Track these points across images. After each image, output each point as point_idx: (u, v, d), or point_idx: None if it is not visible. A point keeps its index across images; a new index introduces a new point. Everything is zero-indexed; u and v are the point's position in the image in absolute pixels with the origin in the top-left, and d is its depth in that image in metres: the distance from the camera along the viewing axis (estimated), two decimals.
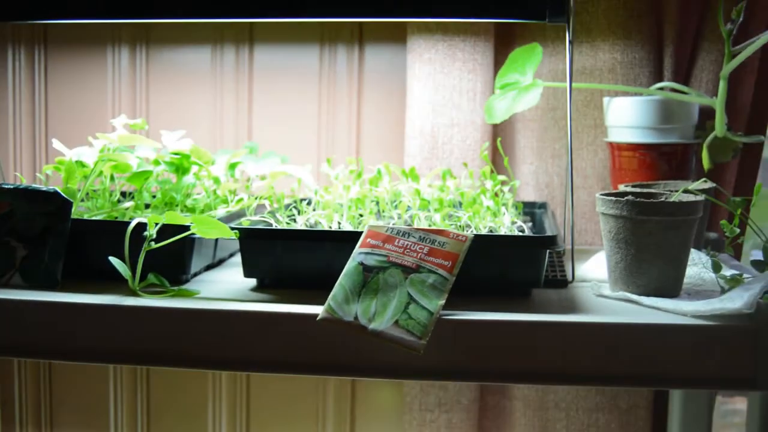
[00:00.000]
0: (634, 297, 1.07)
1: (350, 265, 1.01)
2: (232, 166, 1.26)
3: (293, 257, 1.09)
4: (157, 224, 1.05)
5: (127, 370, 1.66)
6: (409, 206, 1.21)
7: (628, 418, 1.53)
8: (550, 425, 1.54)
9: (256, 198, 1.21)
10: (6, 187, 1.10)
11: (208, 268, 1.22)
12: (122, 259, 1.04)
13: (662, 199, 1.10)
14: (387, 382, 1.62)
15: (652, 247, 1.06)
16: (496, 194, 1.25)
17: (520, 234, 1.14)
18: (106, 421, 1.68)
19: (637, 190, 1.16)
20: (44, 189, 1.10)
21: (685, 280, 1.14)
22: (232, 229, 1.07)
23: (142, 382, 1.66)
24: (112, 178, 1.22)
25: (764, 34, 1.22)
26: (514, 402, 1.55)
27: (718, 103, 1.26)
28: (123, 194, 1.31)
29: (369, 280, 1.00)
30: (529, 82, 1.31)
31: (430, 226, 1.16)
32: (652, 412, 1.54)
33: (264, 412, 1.65)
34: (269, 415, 1.65)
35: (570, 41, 1.19)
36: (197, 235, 1.07)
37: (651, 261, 1.07)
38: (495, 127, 1.51)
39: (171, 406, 1.67)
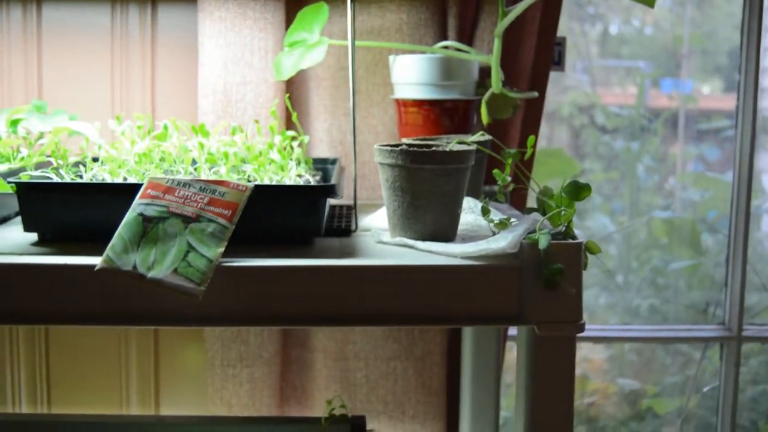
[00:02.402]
0: (411, 242, 1.13)
1: (130, 215, 1.02)
2: (14, 123, 1.24)
3: (73, 211, 1.09)
4: None
5: None
6: (195, 161, 1.22)
7: (424, 364, 1.60)
8: (350, 375, 1.59)
9: (38, 153, 1.20)
10: None
11: None
12: None
13: (434, 149, 1.16)
14: (189, 338, 1.64)
15: (426, 194, 1.12)
16: (285, 149, 1.28)
17: (300, 184, 1.18)
18: None
19: (418, 142, 1.22)
20: None
21: (463, 226, 1.21)
22: (9, 182, 1.06)
23: None
24: None
25: None
26: (315, 354, 1.60)
27: (494, 61, 1.33)
28: None
29: (149, 231, 1.01)
30: (316, 40, 1.34)
31: None
32: (446, 359, 1.62)
33: (65, 371, 1.64)
34: (71, 373, 1.64)
35: (352, 1, 1.23)
36: None
37: (426, 207, 1.12)
38: (289, 85, 1.54)
39: None
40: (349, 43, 1.21)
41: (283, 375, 1.62)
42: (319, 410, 1.60)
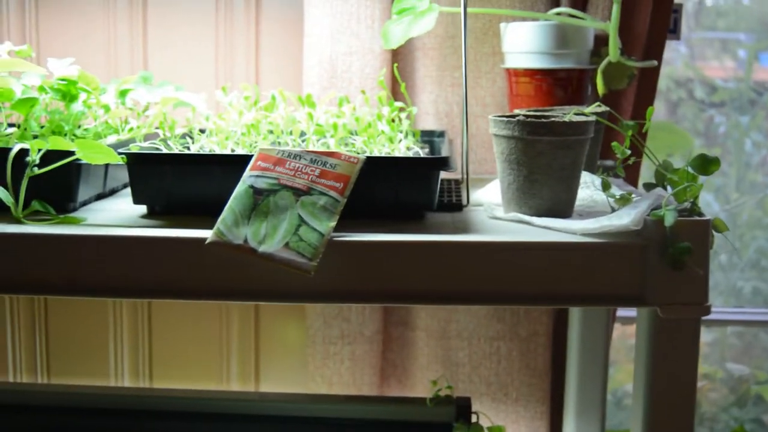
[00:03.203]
0: (526, 218, 1.08)
1: (240, 188, 1.00)
2: (123, 93, 1.23)
3: (183, 183, 1.07)
4: (40, 150, 1.02)
5: (21, 301, 1.62)
6: (303, 132, 1.19)
7: (528, 345, 1.55)
8: (452, 354, 1.55)
9: (147, 125, 1.19)
10: None
11: (99, 197, 1.19)
12: (5, 187, 1.01)
13: (553, 119, 1.10)
14: (290, 314, 1.62)
15: (543, 167, 1.07)
16: (393, 120, 1.24)
17: (413, 156, 1.14)
18: (4, 357, 1.64)
19: (532, 113, 1.16)
20: None
21: (578, 202, 1.15)
22: (120, 154, 1.04)
23: (39, 314, 1.62)
24: None
25: None
26: (417, 332, 1.56)
27: (612, 27, 1.27)
28: (11, 126, 1.27)
29: (259, 203, 0.98)
30: (426, 7, 1.30)
31: None
32: (552, 340, 1.57)
33: (167, 345, 1.64)
34: (172, 348, 1.64)
35: None
36: (84, 161, 1.04)
37: (542, 181, 1.07)
38: (394, 55, 1.50)
39: (70, 338, 1.64)
40: (462, 9, 1.17)
41: (384, 353, 1.59)
42: (419, 390, 1.57)
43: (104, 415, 1.46)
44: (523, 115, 1.11)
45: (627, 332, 2.25)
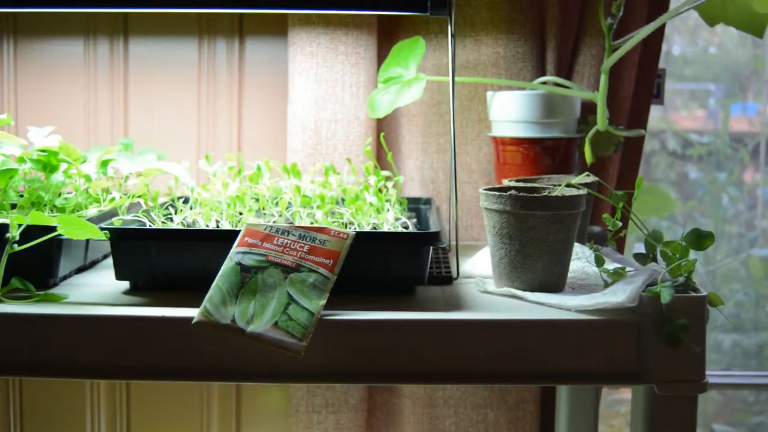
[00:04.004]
0: (519, 293, 1.06)
1: (227, 265, 0.97)
2: (104, 164, 1.20)
3: (167, 258, 1.04)
4: (20, 225, 0.99)
5: None
6: (290, 203, 1.17)
7: (516, 413, 1.52)
8: (439, 422, 1.52)
9: (129, 197, 1.16)
10: None
11: (79, 270, 1.16)
12: None
13: (545, 194, 1.09)
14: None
15: (535, 242, 1.05)
16: (380, 190, 1.22)
17: (403, 231, 1.12)
18: None
19: (521, 184, 1.15)
20: None
21: (570, 274, 1.14)
22: (102, 229, 1.01)
23: (13, 393, 1.57)
24: None
25: (643, 29, 1.23)
26: (403, 400, 1.53)
27: (600, 97, 1.26)
28: None
29: (247, 281, 0.96)
30: (412, 76, 1.29)
31: (311, 223, 1.12)
32: (540, 407, 1.54)
33: (146, 420, 1.59)
34: (151, 422, 1.59)
35: (452, 34, 1.17)
36: (65, 236, 1.01)
37: (535, 256, 1.05)
38: (379, 122, 1.49)
39: (46, 419, 1.59)
40: (450, 80, 1.15)
41: (369, 422, 1.56)
42: None
43: None
44: (515, 189, 1.10)
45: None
